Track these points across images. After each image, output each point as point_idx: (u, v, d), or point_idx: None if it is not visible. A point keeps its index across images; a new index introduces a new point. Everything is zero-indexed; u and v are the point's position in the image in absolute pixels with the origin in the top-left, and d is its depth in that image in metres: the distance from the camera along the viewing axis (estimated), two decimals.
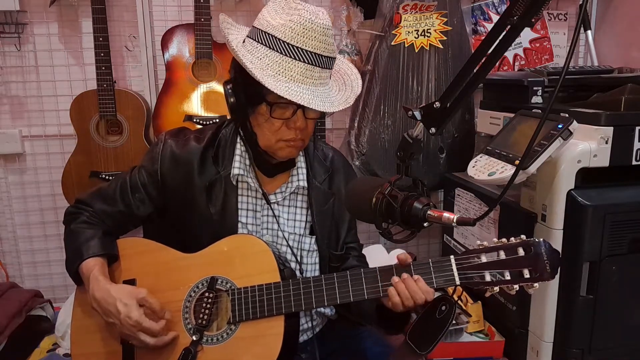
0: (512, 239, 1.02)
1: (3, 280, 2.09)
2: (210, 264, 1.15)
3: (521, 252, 1.00)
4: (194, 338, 1.11)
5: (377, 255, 2.09)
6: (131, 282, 1.17)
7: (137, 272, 1.18)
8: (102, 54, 1.88)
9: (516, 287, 0.99)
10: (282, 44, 1.04)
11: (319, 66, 1.06)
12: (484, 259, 1.01)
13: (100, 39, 1.87)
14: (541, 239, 1.01)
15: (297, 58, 1.04)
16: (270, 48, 1.05)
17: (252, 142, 1.17)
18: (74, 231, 1.19)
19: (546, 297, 1.51)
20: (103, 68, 1.88)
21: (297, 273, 1.21)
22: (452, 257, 1.04)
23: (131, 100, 1.94)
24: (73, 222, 1.21)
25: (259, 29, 1.07)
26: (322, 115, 1.18)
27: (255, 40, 1.08)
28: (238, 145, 1.21)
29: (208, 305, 1.12)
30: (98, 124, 1.93)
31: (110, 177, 1.95)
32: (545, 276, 0.98)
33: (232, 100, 1.13)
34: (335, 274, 1.10)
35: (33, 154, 2.10)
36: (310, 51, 1.04)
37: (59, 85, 2.05)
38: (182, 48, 1.95)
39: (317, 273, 1.26)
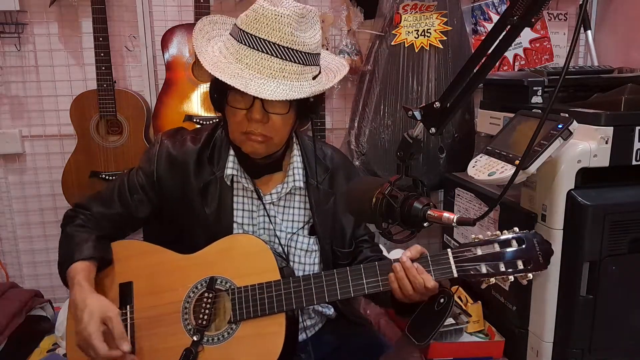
0: (505, 231, 1.06)
1: (3, 280, 2.09)
2: (208, 264, 1.15)
3: (514, 244, 1.04)
4: (195, 338, 1.11)
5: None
6: (128, 284, 1.16)
7: (134, 275, 1.17)
8: (102, 54, 1.88)
9: (511, 278, 1.03)
10: (240, 33, 1.06)
11: (278, 57, 1.04)
12: (479, 251, 1.04)
13: (100, 39, 1.87)
14: (533, 231, 1.05)
15: (252, 46, 1.04)
16: (234, 38, 1.08)
17: (228, 138, 1.18)
18: (68, 234, 1.19)
19: (546, 297, 1.51)
20: (103, 68, 1.88)
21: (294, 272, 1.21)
22: (449, 250, 1.06)
23: (131, 100, 1.94)
24: (69, 225, 1.21)
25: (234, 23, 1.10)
26: (310, 112, 1.15)
27: (229, 34, 1.11)
28: (232, 146, 1.21)
29: (208, 306, 1.12)
30: (98, 124, 1.93)
31: (110, 177, 1.95)
32: (538, 266, 1.03)
33: (211, 95, 1.14)
34: (335, 270, 1.10)
35: (33, 154, 2.10)
36: (263, 39, 1.03)
37: (59, 85, 2.04)
38: (182, 48, 1.95)
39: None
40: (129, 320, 1.15)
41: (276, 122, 1.10)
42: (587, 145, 1.43)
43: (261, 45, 1.03)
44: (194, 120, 1.94)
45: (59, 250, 1.19)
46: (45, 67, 2.03)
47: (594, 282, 1.47)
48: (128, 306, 1.16)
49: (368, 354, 1.28)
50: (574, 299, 1.48)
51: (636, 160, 1.46)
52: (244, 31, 1.05)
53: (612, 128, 1.42)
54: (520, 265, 1.02)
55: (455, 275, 1.05)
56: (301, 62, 1.06)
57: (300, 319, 1.24)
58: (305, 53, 1.06)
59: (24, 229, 2.15)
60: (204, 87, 1.95)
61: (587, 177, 1.45)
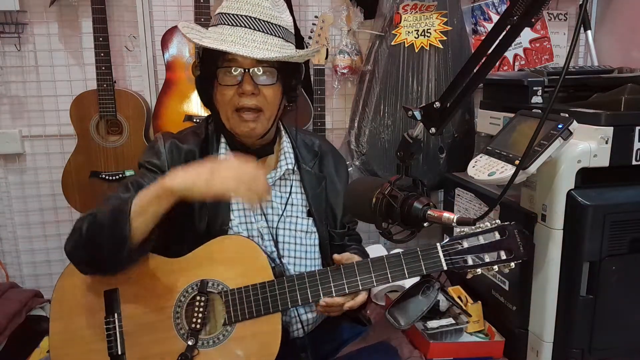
0: (488, 223, 1.11)
1: (3, 280, 2.09)
2: (198, 267, 1.13)
3: (497, 236, 1.10)
4: (189, 343, 1.10)
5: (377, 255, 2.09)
6: (114, 291, 1.13)
7: (120, 281, 1.12)
8: (102, 54, 1.88)
9: (495, 267, 1.09)
10: (223, 16, 1.12)
11: (262, 31, 1.11)
12: (465, 244, 1.10)
13: (100, 39, 1.87)
14: (513, 222, 1.11)
15: (235, 24, 1.11)
16: (216, 25, 1.14)
17: (219, 124, 1.22)
18: (100, 210, 1.08)
19: (546, 297, 1.51)
20: (103, 68, 1.88)
21: (296, 254, 1.24)
22: (438, 245, 1.11)
23: (131, 100, 1.94)
24: (92, 214, 1.10)
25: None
26: (294, 88, 1.22)
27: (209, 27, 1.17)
28: (223, 134, 1.26)
29: (200, 309, 1.11)
30: (98, 124, 1.93)
31: (110, 177, 1.95)
32: (519, 256, 1.09)
33: (196, 85, 1.22)
34: (329, 268, 1.13)
35: (33, 154, 2.10)
36: (245, 15, 1.10)
37: (59, 85, 2.04)
38: (182, 48, 1.95)
39: (317, 254, 1.29)
40: (117, 329, 1.12)
41: (267, 95, 1.15)
42: (587, 145, 1.42)
43: (244, 22, 1.10)
44: (194, 120, 1.94)
45: (99, 226, 1.06)
46: (45, 67, 2.03)
47: (594, 282, 1.47)
48: (115, 314, 1.13)
49: (368, 355, 1.28)
50: (574, 299, 1.48)
51: (636, 160, 1.46)
52: (225, 13, 1.12)
53: (612, 128, 1.42)
54: (503, 255, 1.09)
55: (445, 268, 1.09)
56: (282, 37, 1.14)
57: (303, 311, 1.24)
58: (284, 28, 1.14)
59: (24, 229, 2.15)
60: None
61: (587, 177, 1.45)
